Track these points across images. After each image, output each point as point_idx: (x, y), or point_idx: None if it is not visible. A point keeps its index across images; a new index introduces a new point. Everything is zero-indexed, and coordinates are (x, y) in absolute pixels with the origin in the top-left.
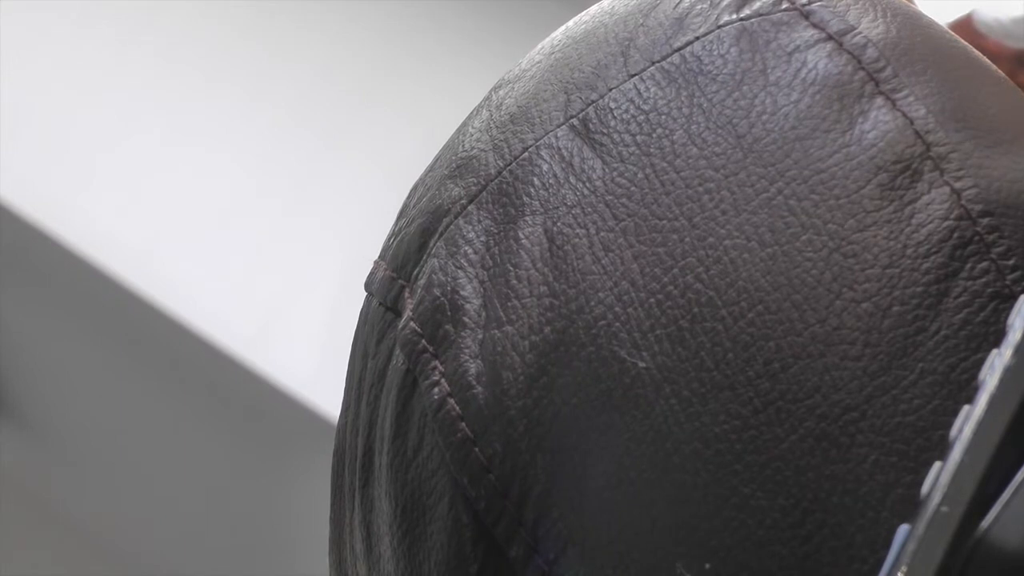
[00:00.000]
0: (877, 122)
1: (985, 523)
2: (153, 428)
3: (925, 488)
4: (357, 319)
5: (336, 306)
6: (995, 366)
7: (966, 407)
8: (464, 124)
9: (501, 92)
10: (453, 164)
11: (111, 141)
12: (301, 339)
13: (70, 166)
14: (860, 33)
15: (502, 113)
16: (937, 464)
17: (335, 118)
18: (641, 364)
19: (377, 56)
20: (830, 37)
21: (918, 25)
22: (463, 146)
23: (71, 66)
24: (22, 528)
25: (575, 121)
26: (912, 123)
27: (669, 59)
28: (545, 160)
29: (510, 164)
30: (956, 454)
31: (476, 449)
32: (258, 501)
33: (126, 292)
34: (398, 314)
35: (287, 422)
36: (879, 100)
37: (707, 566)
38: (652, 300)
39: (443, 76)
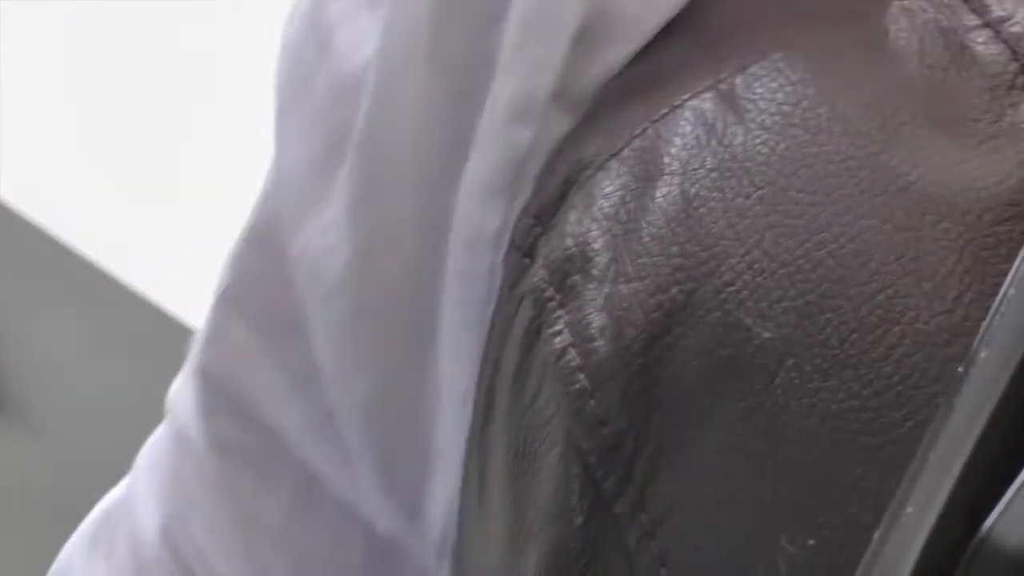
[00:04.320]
0: None
1: (988, 523)
2: (155, 428)
3: (900, 489)
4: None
5: None
6: (968, 364)
7: (942, 402)
8: None
9: None
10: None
11: (112, 139)
12: None
13: (71, 164)
14: (1018, 23)
15: None
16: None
17: None
18: (766, 334)
19: None
20: (988, 24)
21: None
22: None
23: (72, 64)
24: (22, 528)
25: (722, 86)
26: None
27: None
28: (689, 121)
29: (656, 122)
30: (926, 454)
31: (592, 401)
32: None
33: (127, 291)
34: (533, 261)
35: None
36: None
37: (811, 542)
38: (783, 271)
39: None
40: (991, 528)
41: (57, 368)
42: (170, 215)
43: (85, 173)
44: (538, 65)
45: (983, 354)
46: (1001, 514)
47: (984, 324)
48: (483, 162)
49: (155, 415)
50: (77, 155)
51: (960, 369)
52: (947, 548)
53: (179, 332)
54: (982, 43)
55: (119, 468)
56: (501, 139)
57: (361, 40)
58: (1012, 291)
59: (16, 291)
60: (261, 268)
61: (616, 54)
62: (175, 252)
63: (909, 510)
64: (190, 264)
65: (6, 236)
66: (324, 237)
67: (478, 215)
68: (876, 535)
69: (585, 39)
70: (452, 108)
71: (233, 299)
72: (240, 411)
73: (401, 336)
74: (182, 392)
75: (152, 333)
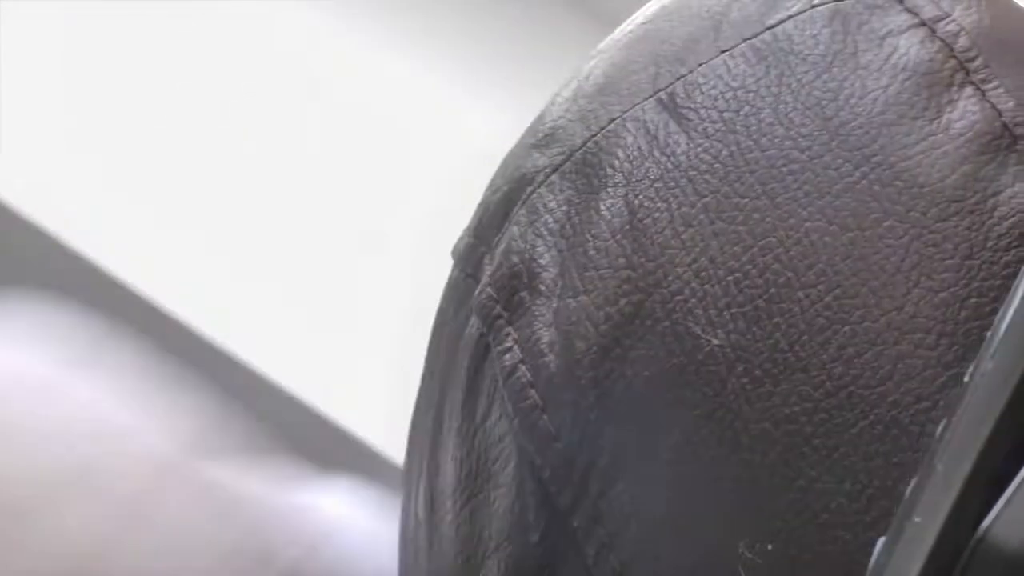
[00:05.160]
0: (965, 112)
1: (986, 522)
2: None
3: (905, 496)
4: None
5: (336, 307)
6: (976, 371)
7: (944, 419)
8: (553, 95)
9: (591, 62)
10: (539, 133)
11: (114, 139)
12: (302, 337)
13: (71, 164)
14: (953, 20)
15: (590, 83)
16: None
17: (378, 120)
18: (715, 341)
19: (425, 55)
20: (923, 23)
21: (1012, 15)
22: (550, 116)
23: (72, 64)
24: None
25: (663, 95)
26: (1000, 115)
27: (760, 37)
28: (631, 132)
29: (595, 135)
30: (933, 464)
31: (544, 417)
32: None
33: (127, 291)
34: (477, 280)
35: (296, 423)
36: (968, 90)
37: (769, 547)
38: (730, 278)
39: (495, 81)
40: (988, 528)
41: None
42: (171, 215)
43: (85, 173)
44: None
45: (989, 365)
46: (999, 515)
47: (989, 334)
48: None
49: None
50: (77, 155)
51: (966, 379)
52: (953, 556)
53: (179, 332)
54: (918, 42)
55: None
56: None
57: None
58: (1018, 301)
59: (16, 291)
60: None
61: None
62: (176, 252)
63: (916, 520)
64: (191, 264)
65: (6, 236)
66: None
67: None
68: (881, 543)
69: None
70: None
71: None
72: None
73: None
74: None
75: (152, 334)
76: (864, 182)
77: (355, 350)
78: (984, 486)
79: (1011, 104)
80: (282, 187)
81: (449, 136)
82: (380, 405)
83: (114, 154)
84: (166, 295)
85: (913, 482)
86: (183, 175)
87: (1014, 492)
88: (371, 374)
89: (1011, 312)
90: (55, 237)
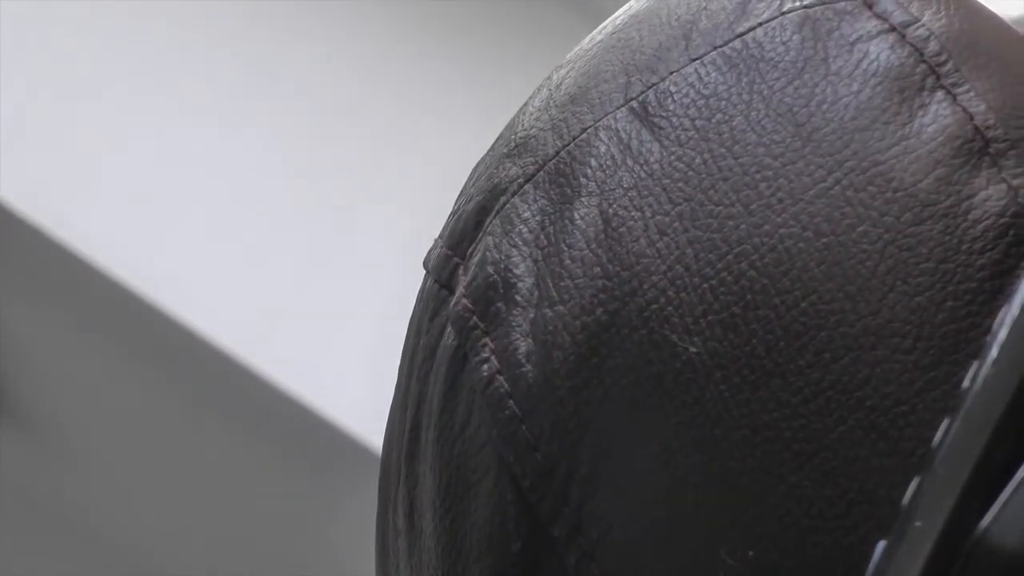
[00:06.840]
0: (937, 116)
1: (985, 522)
2: (154, 429)
3: (905, 500)
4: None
5: (337, 310)
6: (977, 378)
7: (946, 420)
8: (524, 104)
9: (562, 72)
10: (512, 143)
11: (112, 139)
12: (301, 337)
13: (72, 165)
14: (923, 25)
15: (561, 93)
16: (918, 477)
17: (369, 122)
18: (692, 349)
19: (415, 55)
20: (893, 28)
21: (981, 19)
22: (522, 125)
23: (81, 62)
24: (22, 528)
25: (635, 104)
26: (972, 118)
27: (731, 44)
28: (603, 142)
29: (568, 145)
30: (935, 467)
31: (523, 427)
32: (260, 502)
33: (128, 292)
34: (452, 291)
35: (290, 421)
36: (939, 94)
37: (751, 553)
38: (705, 285)
39: (482, 79)
40: (987, 528)
41: (58, 369)
42: (171, 215)
43: (85, 173)
44: None
45: (989, 370)
46: (997, 515)
47: (988, 339)
48: None
49: (155, 415)
50: (78, 155)
51: (966, 383)
52: (953, 559)
53: (180, 332)
54: (888, 48)
55: (119, 468)
56: None
57: None
58: (1017, 307)
59: (16, 291)
60: None
61: None
62: (177, 252)
63: (917, 523)
64: (191, 264)
65: (6, 237)
66: None
67: None
68: (881, 547)
69: None
70: None
71: None
72: None
73: None
74: None
75: (153, 333)
76: (838, 187)
77: (339, 342)
78: (984, 490)
79: (982, 107)
80: (275, 185)
81: (442, 133)
82: (363, 397)
83: (114, 154)
84: (161, 293)
85: (913, 485)
86: (184, 175)
87: (1012, 493)
88: (354, 367)
89: (1010, 318)
90: (56, 238)
